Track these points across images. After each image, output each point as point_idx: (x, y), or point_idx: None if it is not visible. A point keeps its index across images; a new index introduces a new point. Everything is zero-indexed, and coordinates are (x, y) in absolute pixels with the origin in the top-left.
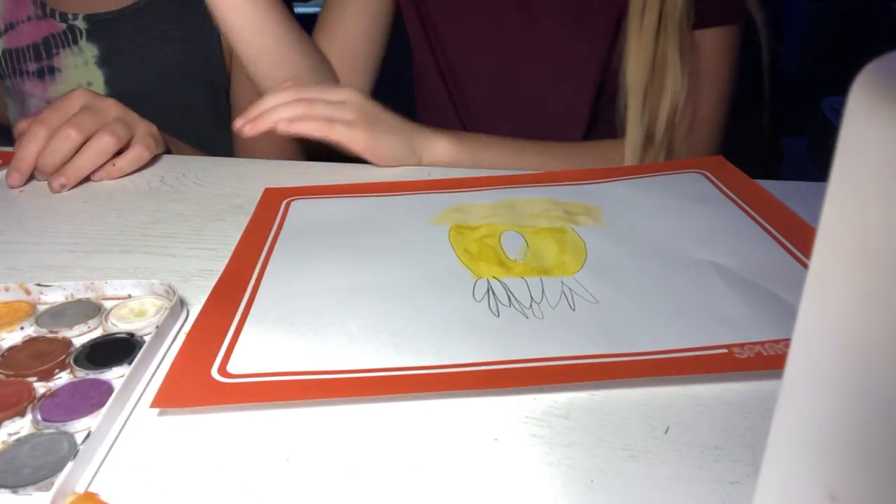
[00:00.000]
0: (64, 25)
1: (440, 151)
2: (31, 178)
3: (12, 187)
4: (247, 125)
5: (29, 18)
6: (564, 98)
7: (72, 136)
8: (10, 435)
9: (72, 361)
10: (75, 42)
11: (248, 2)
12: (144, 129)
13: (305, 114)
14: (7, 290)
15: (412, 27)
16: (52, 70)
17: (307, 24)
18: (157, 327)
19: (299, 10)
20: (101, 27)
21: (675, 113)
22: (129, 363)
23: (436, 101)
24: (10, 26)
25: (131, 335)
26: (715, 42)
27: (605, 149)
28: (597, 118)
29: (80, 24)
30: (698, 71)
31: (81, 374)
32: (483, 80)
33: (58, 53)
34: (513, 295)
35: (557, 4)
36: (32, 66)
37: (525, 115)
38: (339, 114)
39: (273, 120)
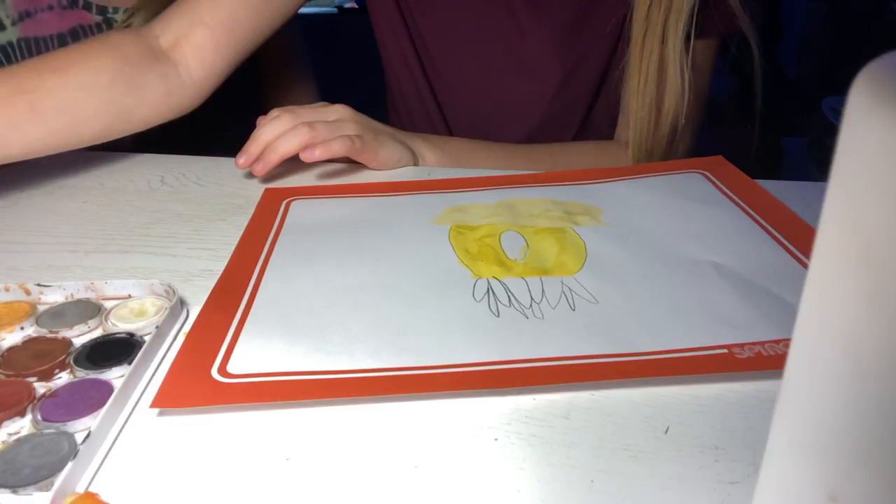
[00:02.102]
0: (100, 18)
1: (428, 157)
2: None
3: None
4: (257, 165)
5: (51, 7)
6: (553, 108)
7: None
8: (10, 435)
9: (72, 361)
10: None
11: (34, 140)
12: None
13: (312, 139)
14: (7, 290)
15: (394, 34)
16: None
17: (308, 25)
18: (157, 327)
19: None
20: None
21: (676, 131)
22: (129, 363)
23: (416, 107)
24: (26, 14)
25: (131, 335)
26: (701, 54)
27: (590, 151)
28: (587, 124)
29: (119, 16)
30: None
31: (81, 374)
32: (468, 86)
33: None
34: (513, 295)
35: (547, 18)
36: None
37: (510, 122)
38: (344, 131)
39: (281, 154)
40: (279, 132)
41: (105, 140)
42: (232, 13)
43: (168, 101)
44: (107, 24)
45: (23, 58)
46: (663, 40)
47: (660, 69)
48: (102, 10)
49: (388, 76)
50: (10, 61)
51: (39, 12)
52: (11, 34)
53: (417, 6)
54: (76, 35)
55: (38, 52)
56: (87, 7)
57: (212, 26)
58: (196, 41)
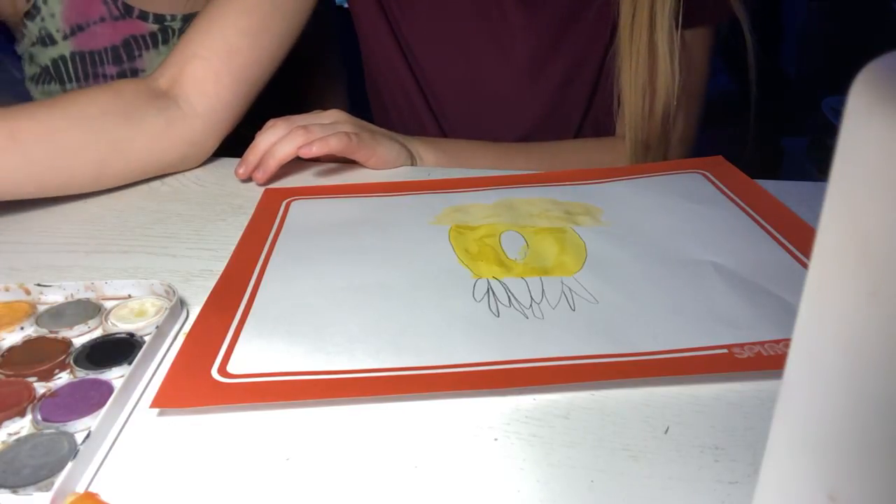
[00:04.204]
0: (156, 27)
1: (426, 158)
2: None
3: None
4: (256, 173)
5: (102, 20)
6: (553, 107)
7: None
8: (10, 435)
9: (72, 361)
10: (165, 42)
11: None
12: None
13: (307, 140)
14: (7, 290)
15: (377, 36)
16: (134, 72)
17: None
18: (157, 327)
19: None
20: None
21: (669, 115)
22: (129, 363)
23: (407, 112)
24: (78, 28)
25: (131, 335)
26: (696, 42)
27: (589, 148)
28: (589, 119)
29: (177, 24)
30: (686, 71)
31: (81, 374)
32: (460, 89)
33: (140, 55)
34: (513, 295)
35: (540, 16)
36: (112, 70)
37: (507, 122)
38: (341, 130)
39: (279, 158)
40: (275, 139)
41: (107, 180)
42: (226, 42)
43: (170, 134)
44: (163, 33)
45: (77, 72)
46: (651, 24)
47: (650, 53)
48: (160, 19)
49: (374, 79)
50: (63, 76)
51: (92, 25)
52: (64, 48)
53: (399, 8)
54: (129, 46)
55: (93, 66)
56: (143, 16)
57: (207, 57)
58: (192, 73)
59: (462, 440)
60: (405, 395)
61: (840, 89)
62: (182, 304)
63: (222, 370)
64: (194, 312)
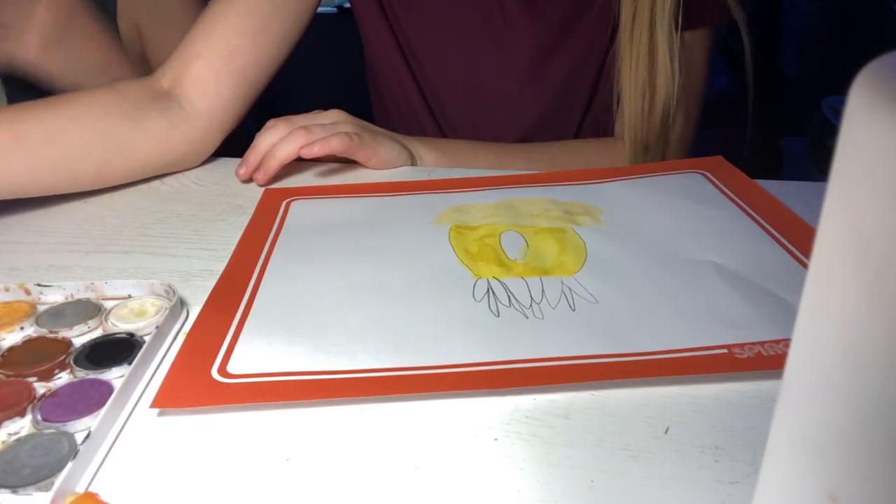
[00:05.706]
0: None
1: (427, 158)
2: None
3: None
4: (258, 174)
5: None
6: (553, 108)
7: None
8: (10, 435)
9: (72, 361)
10: None
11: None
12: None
13: (308, 140)
14: (7, 290)
15: (379, 37)
16: None
17: (319, 24)
18: (157, 327)
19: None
20: None
21: (668, 115)
22: (129, 363)
23: (406, 113)
24: None
25: (131, 335)
26: (696, 43)
27: (589, 149)
28: (589, 118)
29: None
30: (685, 72)
31: (81, 374)
32: (460, 90)
33: None
34: (513, 295)
35: (541, 17)
36: None
37: (507, 123)
38: (342, 130)
39: (280, 159)
40: (276, 140)
41: (109, 179)
42: (227, 42)
43: (174, 134)
44: None
45: None
46: (651, 25)
47: (650, 53)
48: None
49: (376, 79)
50: None
51: None
52: None
53: (400, 7)
54: None
55: None
56: None
57: (207, 57)
58: (194, 73)
59: (462, 440)
60: (405, 395)
61: (840, 89)
62: (182, 304)
63: (222, 370)
64: (194, 312)
